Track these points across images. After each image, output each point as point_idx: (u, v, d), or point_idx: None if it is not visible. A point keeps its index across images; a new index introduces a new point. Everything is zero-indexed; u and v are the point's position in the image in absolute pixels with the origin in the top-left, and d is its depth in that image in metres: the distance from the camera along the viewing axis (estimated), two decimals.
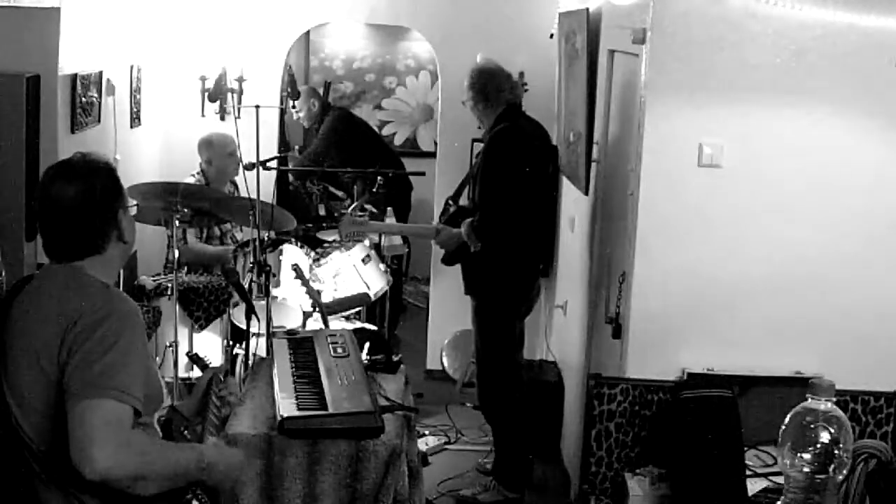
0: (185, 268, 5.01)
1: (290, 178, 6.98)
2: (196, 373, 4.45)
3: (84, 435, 2.05)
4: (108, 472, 2.04)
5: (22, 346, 2.24)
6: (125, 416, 2.12)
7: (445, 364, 5.89)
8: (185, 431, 2.49)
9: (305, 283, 4.29)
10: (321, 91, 7.35)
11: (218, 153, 5.26)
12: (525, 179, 4.37)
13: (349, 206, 5.91)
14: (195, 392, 2.64)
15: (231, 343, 4.75)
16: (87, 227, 2.29)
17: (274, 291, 4.57)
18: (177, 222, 4.44)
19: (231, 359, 4.65)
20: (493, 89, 4.49)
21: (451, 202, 4.71)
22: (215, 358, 4.67)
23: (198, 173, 5.29)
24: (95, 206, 2.29)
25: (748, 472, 3.22)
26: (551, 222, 4.60)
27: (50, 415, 2.19)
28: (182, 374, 4.50)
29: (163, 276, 4.91)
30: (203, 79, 5.82)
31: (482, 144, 4.63)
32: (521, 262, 4.51)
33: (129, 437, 2.11)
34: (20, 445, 2.22)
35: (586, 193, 4.75)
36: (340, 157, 6.52)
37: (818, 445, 2.19)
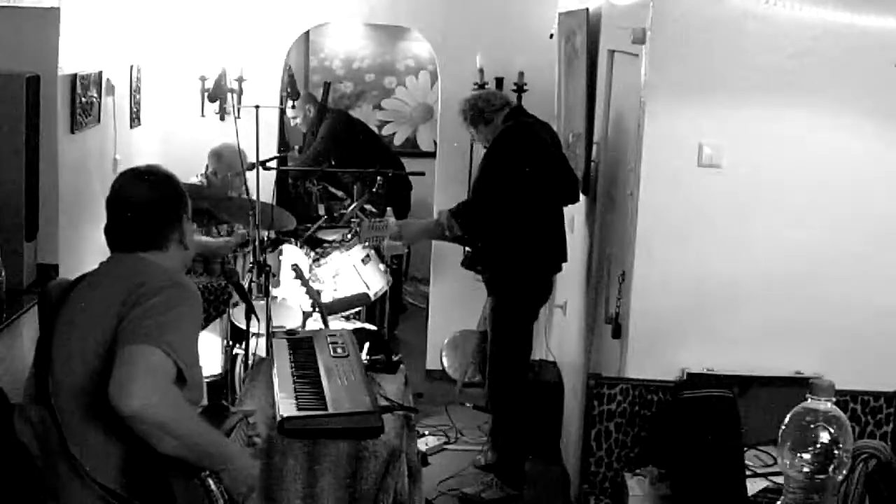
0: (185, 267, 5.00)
1: (290, 178, 6.98)
2: None
3: (126, 372, 2.13)
4: (141, 410, 2.09)
5: (83, 313, 2.34)
6: (169, 369, 2.19)
7: (445, 364, 5.89)
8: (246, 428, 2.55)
9: (305, 283, 4.29)
10: (320, 92, 7.36)
11: (225, 168, 5.21)
12: (534, 170, 4.40)
13: (349, 206, 5.91)
14: (223, 428, 2.64)
15: (231, 343, 4.75)
16: (153, 222, 2.46)
17: (274, 291, 4.57)
18: None
19: (231, 359, 4.65)
20: (484, 106, 4.61)
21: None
22: (216, 364, 4.68)
23: (202, 175, 5.28)
24: (163, 205, 2.47)
25: (748, 472, 3.22)
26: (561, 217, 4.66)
27: (91, 381, 2.25)
28: None
29: None
30: (203, 79, 5.82)
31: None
32: (542, 260, 4.56)
33: (167, 386, 2.17)
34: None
35: (586, 193, 4.76)
36: (339, 158, 6.53)
37: (818, 445, 2.19)
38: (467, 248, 4.72)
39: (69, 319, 2.36)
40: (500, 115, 4.58)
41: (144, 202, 2.45)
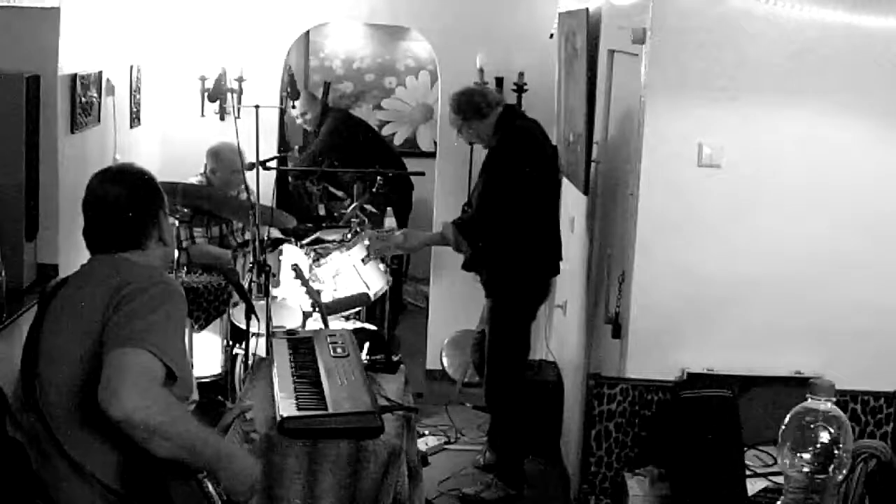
0: (185, 268, 5.00)
1: (290, 178, 6.98)
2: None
3: (115, 376, 2.11)
4: (132, 413, 2.08)
5: (67, 317, 2.33)
6: (158, 371, 2.18)
7: (445, 364, 5.89)
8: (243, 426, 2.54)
9: (305, 283, 4.29)
10: (321, 92, 7.35)
11: (223, 167, 5.20)
12: (535, 178, 4.41)
13: (349, 206, 5.91)
14: (220, 425, 2.64)
15: (231, 343, 4.75)
16: (129, 221, 2.43)
17: (274, 291, 4.57)
18: (176, 222, 4.43)
19: (231, 359, 4.65)
20: (480, 101, 4.52)
21: (467, 207, 4.73)
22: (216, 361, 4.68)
23: (202, 175, 5.28)
24: (138, 203, 2.44)
25: (748, 472, 3.22)
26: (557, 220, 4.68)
27: (79, 384, 2.23)
28: None
29: None
30: (203, 79, 5.82)
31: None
32: (539, 262, 4.56)
33: (157, 389, 2.16)
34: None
35: (586, 193, 4.76)
36: (340, 158, 6.52)
37: (818, 445, 2.19)
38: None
39: (53, 325, 2.35)
40: (494, 112, 4.49)
41: (120, 202, 2.42)
